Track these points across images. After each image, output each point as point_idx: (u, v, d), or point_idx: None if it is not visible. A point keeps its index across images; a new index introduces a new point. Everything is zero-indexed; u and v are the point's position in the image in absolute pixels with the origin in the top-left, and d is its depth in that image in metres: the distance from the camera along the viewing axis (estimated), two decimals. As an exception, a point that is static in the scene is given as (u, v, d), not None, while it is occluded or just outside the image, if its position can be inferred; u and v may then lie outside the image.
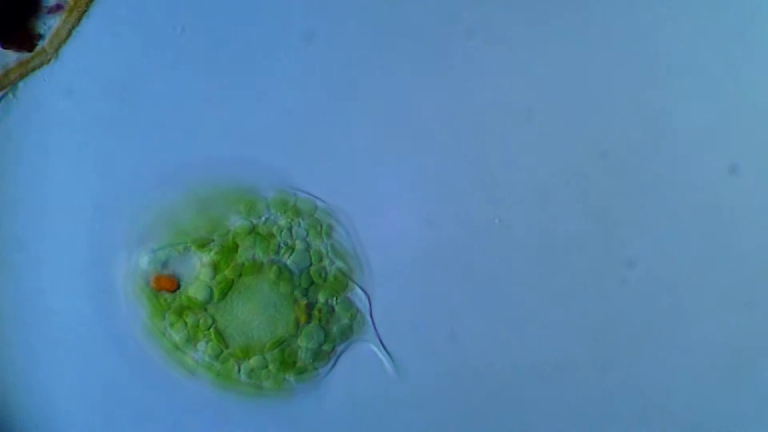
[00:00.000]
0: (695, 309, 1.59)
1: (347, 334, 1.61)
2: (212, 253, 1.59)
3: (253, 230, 1.60)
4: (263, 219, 1.60)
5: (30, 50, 1.62)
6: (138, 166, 1.62)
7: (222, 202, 1.60)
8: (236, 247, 1.59)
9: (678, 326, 1.58)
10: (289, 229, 1.60)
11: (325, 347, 1.61)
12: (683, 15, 1.60)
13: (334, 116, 1.62)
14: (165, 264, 1.58)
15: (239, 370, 1.59)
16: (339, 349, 1.61)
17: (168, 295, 1.58)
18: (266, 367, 1.59)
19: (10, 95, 1.62)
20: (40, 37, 1.62)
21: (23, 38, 1.61)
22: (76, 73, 1.62)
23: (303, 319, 1.57)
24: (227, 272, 1.58)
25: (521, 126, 1.62)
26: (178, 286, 1.58)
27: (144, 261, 1.59)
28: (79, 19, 1.63)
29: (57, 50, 1.62)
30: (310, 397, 1.61)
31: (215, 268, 1.58)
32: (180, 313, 1.59)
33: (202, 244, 1.59)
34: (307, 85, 1.62)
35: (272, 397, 1.61)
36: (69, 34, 1.63)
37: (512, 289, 1.62)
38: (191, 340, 1.58)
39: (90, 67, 1.63)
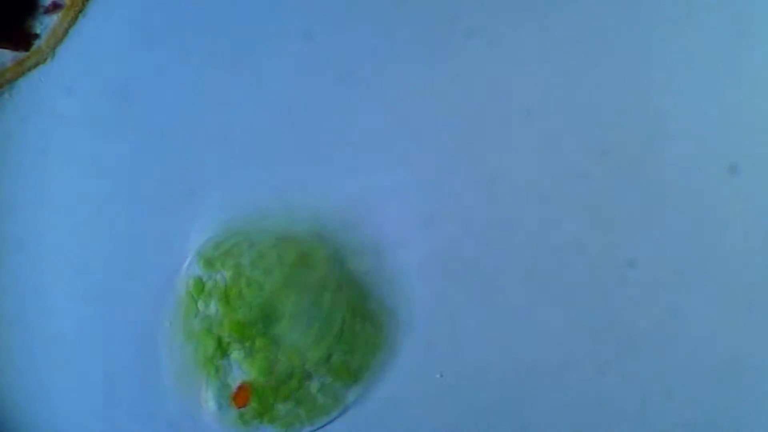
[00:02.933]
0: (695, 309, 1.59)
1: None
2: (234, 350, 1.57)
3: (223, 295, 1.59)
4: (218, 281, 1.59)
5: (27, 49, 1.62)
6: (137, 166, 1.62)
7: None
8: (233, 313, 1.58)
9: (678, 326, 1.58)
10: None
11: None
12: (683, 15, 1.60)
13: (334, 116, 1.62)
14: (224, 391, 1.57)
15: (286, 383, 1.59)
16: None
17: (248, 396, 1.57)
18: (312, 378, 1.58)
19: (7, 94, 1.62)
20: (37, 36, 1.62)
21: (20, 37, 1.61)
22: (73, 72, 1.62)
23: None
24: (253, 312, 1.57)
25: (521, 126, 1.62)
26: (249, 390, 1.57)
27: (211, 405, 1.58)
28: (75, 18, 1.63)
29: (54, 49, 1.62)
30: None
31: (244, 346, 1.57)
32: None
33: (223, 350, 1.58)
34: (307, 85, 1.62)
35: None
36: (66, 33, 1.62)
37: (512, 289, 1.61)
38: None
39: (87, 66, 1.63)
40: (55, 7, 1.62)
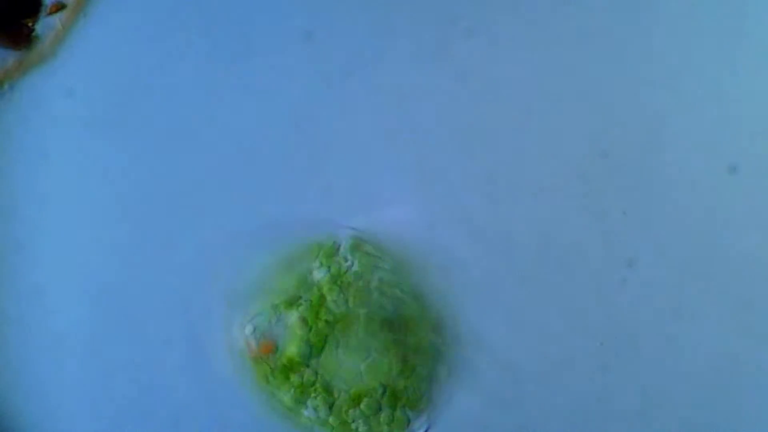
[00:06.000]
0: (695, 309, 1.58)
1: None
2: (301, 309, 1.58)
3: (337, 278, 1.59)
4: (344, 266, 1.59)
5: (28, 49, 1.61)
6: (137, 166, 1.62)
7: (298, 254, 1.60)
8: (323, 298, 1.58)
9: (678, 326, 1.58)
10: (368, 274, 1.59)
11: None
12: (683, 15, 1.60)
13: (334, 115, 1.62)
14: (260, 329, 1.57)
15: (353, 420, 1.58)
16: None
17: (269, 359, 1.57)
18: (380, 410, 1.58)
19: (8, 94, 1.62)
20: (38, 36, 1.62)
21: (21, 37, 1.61)
22: (74, 72, 1.62)
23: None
24: (320, 326, 1.57)
25: (521, 126, 1.61)
26: (276, 349, 1.57)
27: (248, 329, 1.58)
28: (77, 19, 1.62)
29: (55, 49, 1.62)
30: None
31: (306, 323, 1.57)
32: (284, 374, 1.58)
33: (290, 303, 1.58)
34: (307, 85, 1.62)
35: None
36: (67, 33, 1.62)
37: (512, 289, 1.61)
38: (300, 399, 1.57)
39: (88, 67, 1.63)
40: (57, 7, 1.62)
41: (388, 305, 1.58)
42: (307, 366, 1.57)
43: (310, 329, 1.57)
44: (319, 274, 1.59)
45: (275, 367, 1.57)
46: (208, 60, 1.62)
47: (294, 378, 1.57)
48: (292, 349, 1.56)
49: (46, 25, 1.62)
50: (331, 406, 1.57)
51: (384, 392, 1.57)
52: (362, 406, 1.57)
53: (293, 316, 1.57)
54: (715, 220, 1.58)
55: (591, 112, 1.60)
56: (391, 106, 1.62)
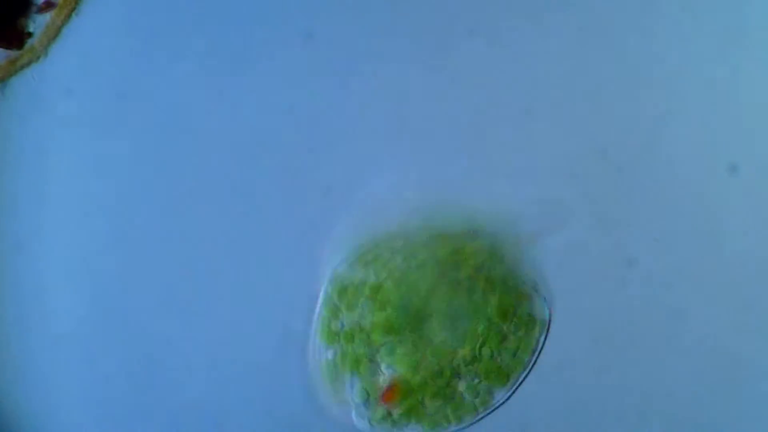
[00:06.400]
0: (695, 309, 1.59)
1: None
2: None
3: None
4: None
5: (20, 48, 1.61)
6: (136, 165, 1.62)
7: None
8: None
9: (678, 326, 1.59)
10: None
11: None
12: (683, 15, 1.60)
13: (334, 115, 1.62)
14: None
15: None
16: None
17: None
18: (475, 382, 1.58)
19: (0, 93, 1.61)
20: (30, 34, 1.61)
21: (13, 36, 1.60)
22: (69, 71, 1.62)
23: None
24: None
25: (521, 125, 1.61)
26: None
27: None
28: (69, 17, 1.62)
29: (46, 48, 1.62)
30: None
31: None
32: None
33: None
34: (307, 85, 1.61)
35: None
36: (59, 31, 1.62)
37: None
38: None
39: (82, 65, 1.62)
40: (48, 5, 1.60)
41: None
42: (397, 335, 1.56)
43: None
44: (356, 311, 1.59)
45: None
46: (207, 59, 1.61)
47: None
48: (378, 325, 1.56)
49: (37, 25, 1.61)
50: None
51: (472, 361, 1.57)
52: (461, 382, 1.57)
53: (383, 351, 1.56)
54: (715, 220, 1.59)
55: (591, 112, 1.60)
56: (391, 106, 1.61)
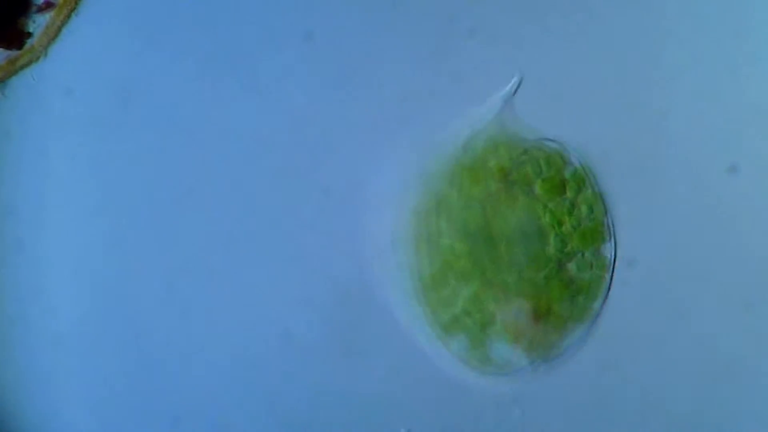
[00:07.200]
0: (695, 309, 1.59)
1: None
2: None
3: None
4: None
5: (19, 48, 1.61)
6: (137, 165, 1.62)
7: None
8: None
9: (678, 326, 1.59)
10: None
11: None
12: (683, 15, 1.60)
13: (334, 115, 1.61)
14: None
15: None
16: None
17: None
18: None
19: (0, 94, 1.61)
20: (30, 34, 1.61)
21: (12, 35, 1.60)
22: (70, 71, 1.62)
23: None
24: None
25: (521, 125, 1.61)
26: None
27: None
28: (68, 17, 1.62)
29: (46, 48, 1.62)
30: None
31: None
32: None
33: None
34: (307, 85, 1.61)
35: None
36: (58, 31, 1.62)
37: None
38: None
39: (83, 65, 1.62)
40: (48, 5, 1.60)
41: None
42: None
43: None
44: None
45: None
46: (207, 59, 1.61)
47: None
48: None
49: (37, 25, 1.61)
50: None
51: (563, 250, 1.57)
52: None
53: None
54: (715, 220, 1.59)
55: (592, 112, 1.60)
56: (391, 106, 1.61)
